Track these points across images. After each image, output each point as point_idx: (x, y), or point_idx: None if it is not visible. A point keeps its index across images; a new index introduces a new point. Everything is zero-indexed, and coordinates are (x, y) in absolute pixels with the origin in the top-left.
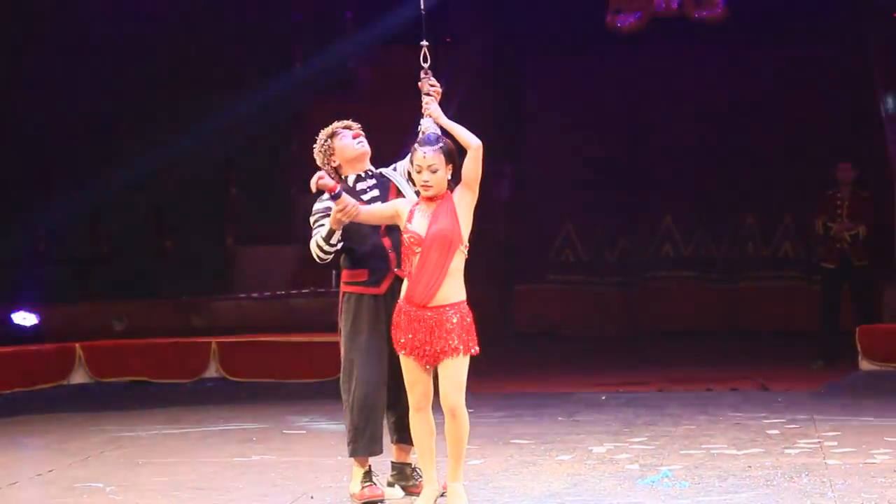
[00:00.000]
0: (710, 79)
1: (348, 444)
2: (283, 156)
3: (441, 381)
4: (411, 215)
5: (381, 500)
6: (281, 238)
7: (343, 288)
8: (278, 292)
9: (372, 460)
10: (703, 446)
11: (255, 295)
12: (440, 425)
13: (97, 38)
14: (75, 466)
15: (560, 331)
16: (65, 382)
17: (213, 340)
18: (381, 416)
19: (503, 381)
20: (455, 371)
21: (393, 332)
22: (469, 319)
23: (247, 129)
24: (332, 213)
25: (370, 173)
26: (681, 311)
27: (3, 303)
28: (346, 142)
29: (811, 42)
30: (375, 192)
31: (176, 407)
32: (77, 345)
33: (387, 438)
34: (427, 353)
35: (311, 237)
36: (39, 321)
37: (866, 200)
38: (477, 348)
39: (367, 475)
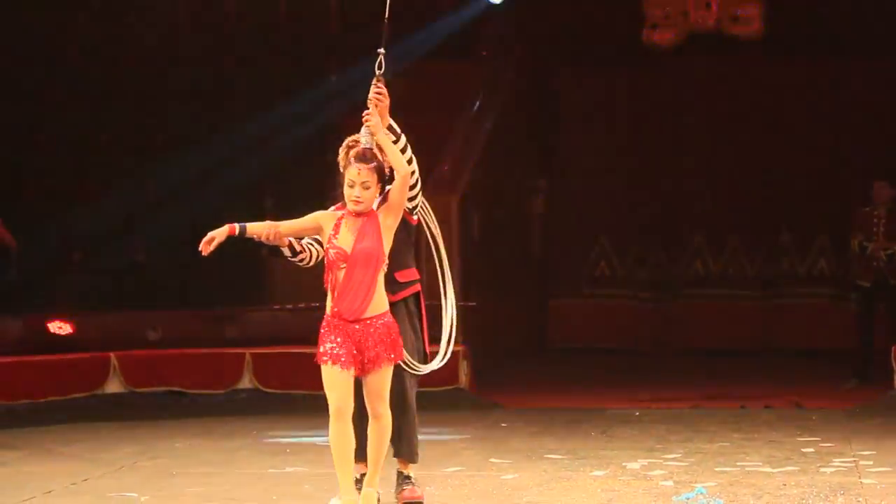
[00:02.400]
0: (746, 95)
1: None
2: (318, 167)
3: (366, 392)
4: (337, 229)
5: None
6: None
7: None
8: (313, 304)
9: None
10: (738, 464)
11: (289, 306)
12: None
13: (136, 49)
14: (109, 476)
15: (594, 346)
16: (99, 392)
17: (247, 351)
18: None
19: (537, 395)
20: (380, 380)
21: (319, 342)
22: (394, 329)
23: (282, 140)
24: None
25: None
26: (715, 327)
27: (39, 312)
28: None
29: (847, 59)
30: None
31: (209, 418)
32: (111, 354)
33: None
34: (354, 363)
35: None
36: (74, 330)
37: None
38: (399, 358)
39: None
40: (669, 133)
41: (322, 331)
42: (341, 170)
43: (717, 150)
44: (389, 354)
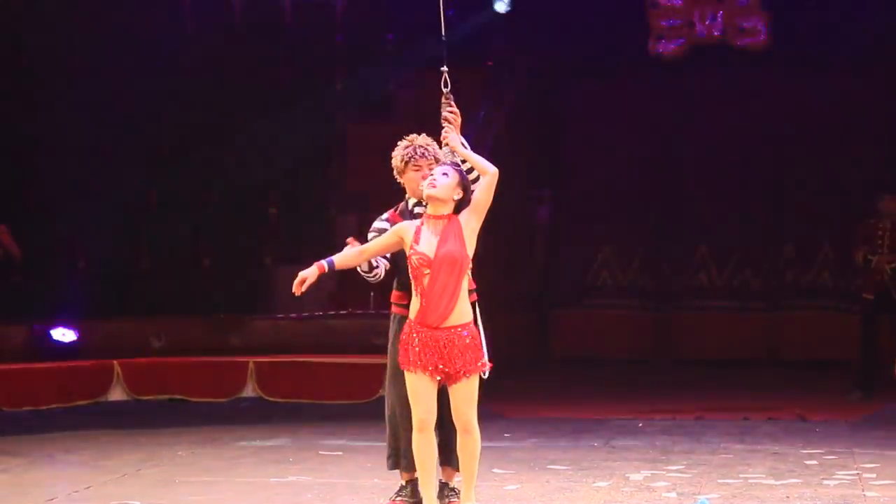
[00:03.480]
0: (751, 107)
1: (387, 458)
2: (323, 176)
3: (453, 400)
4: (417, 236)
5: None
6: (319, 258)
7: (392, 309)
8: (316, 313)
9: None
10: (741, 475)
11: (293, 315)
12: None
13: (140, 57)
14: (112, 484)
15: (596, 356)
16: (102, 399)
17: (251, 360)
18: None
19: (539, 406)
20: (467, 389)
21: (401, 349)
22: (478, 339)
23: (286, 149)
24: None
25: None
26: (718, 339)
27: (42, 319)
28: (415, 176)
29: (853, 71)
30: None
31: (212, 426)
32: (115, 362)
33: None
34: (439, 371)
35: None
36: (78, 338)
37: None
38: (487, 367)
39: (403, 489)
40: (673, 144)
41: (404, 337)
42: (397, 176)
43: (722, 161)
44: (476, 363)
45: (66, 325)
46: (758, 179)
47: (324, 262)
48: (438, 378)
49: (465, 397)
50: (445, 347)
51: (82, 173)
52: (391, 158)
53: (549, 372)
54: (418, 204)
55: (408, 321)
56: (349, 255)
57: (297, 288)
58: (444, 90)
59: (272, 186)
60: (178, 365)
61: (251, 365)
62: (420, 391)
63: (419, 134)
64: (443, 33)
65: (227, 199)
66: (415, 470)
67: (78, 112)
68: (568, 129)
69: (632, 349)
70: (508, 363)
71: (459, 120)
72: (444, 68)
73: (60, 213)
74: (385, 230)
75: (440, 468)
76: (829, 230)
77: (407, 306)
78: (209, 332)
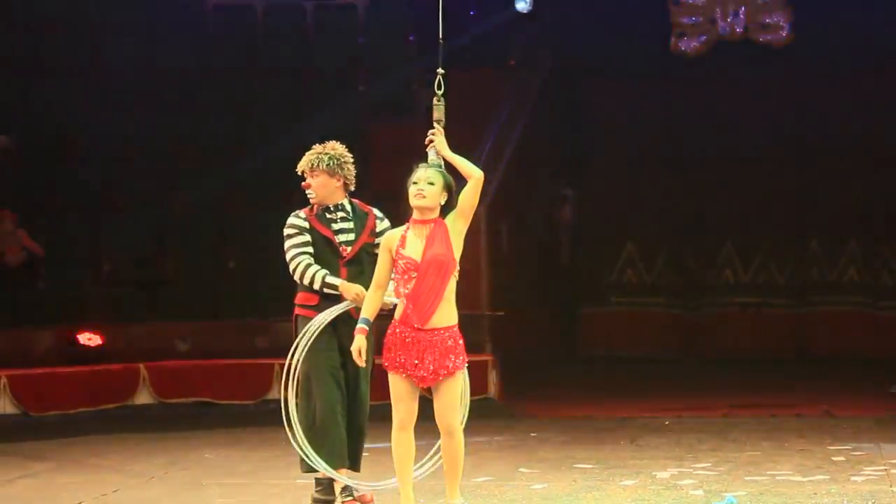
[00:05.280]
0: (774, 103)
1: (301, 462)
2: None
3: (436, 402)
4: (403, 241)
5: None
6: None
7: (295, 310)
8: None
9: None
10: (768, 472)
11: None
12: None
13: (164, 63)
14: (139, 487)
15: (622, 354)
16: (129, 403)
17: (277, 362)
18: (341, 432)
19: (566, 404)
20: (449, 391)
21: (384, 351)
22: (461, 342)
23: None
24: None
25: (346, 205)
26: (745, 335)
27: (69, 323)
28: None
29: (876, 67)
30: (350, 224)
31: (239, 428)
32: (141, 365)
33: None
34: (420, 374)
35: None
36: (104, 341)
37: None
38: (464, 364)
39: (320, 482)
40: (697, 141)
41: (388, 338)
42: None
43: (745, 157)
44: (455, 361)
45: (93, 329)
46: (782, 175)
47: (363, 326)
48: (419, 384)
49: (447, 401)
50: (426, 349)
51: (108, 178)
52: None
53: (575, 370)
54: (338, 207)
55: (392, 322)
56: (373, 302)
57: (359, 359)
58: (438, 92)
59: (296, 189)
60: (204, 368)
61: (277, 367)
62: (400, 392)
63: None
64: (440, 36)
65: (250, 202)
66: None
67: (104, 117)
68: (591, 127)
69: (657, 347)
70: (535, 362)
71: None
72: (441, 70)
73: (86, 217)
74: (305, 228)
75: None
76: (855, 226)
77: (310, 307)
78: (235, 335)
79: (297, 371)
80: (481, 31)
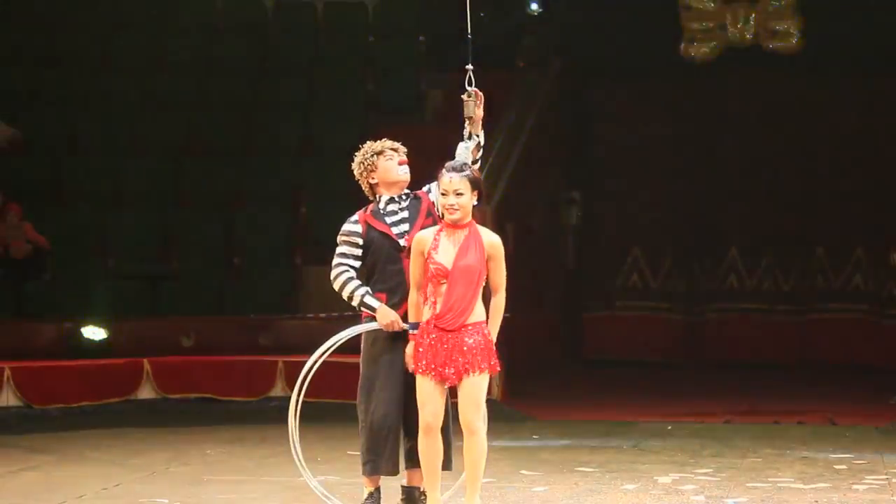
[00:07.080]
0: (782, 109)
1: (364, 464)
2: (353, 177)
3: (460, 400)
4: (436, 244)
5: None
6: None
7: (364, 313)
8: (346, 313)
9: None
10: (770, 479)
11: (322, 315)
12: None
13: (174, 60)
14: (141, 481)
15: (626, 358)
16: (132, 397)
17: (280, 359)
18: (398, 437)
19: (568, 408)
20: (473, 389)
21: (414, 351)
22: (489, 340)
23: (317, 150)
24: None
25: (404, 196)
26: (749, 341)
27: (73, 317)
28: (391, 164)
29: (886, 74)
30: (405, 214)
31: (241, 425)
32: (145, 360)
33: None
34: (446, 372)
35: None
36: (108, 336)
37: None
38: (497, 368)
39: (371, 495)
40: (704, 146)
41: (416, 343)
42: (356, 174)
43: (752, 163)
44: (484, 363)
45: (97, 323)
46: (788, 181)
47: (412, 331)
48: (447, 383)
49: (471, 398)
50: (454, 348)
51: (113, 172)
52: (368, 162)
53: (579, 374)
54: (391, 201)
55: (421, 325)
56: (418, 305)
57: (412, 365)
58: (469, 88)
59: (302, 187)
60: (207, 364)
61: (280, 364)
62: (427, 394)
63: (446, 135)
64: (468, 32)
65: (256, 198)
66: (381, 476)
67: (110, 111)
68: (599, 131)
69: (661, 352)
70: (538, 365)
71: (481, 114)
72: (469, 66)
73: (92, 211)
74: (357, 233)
75: (405, 472)
76: (860, 233)
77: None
78: (239, 332)
79: (311, 373)
80: (492, 32)
